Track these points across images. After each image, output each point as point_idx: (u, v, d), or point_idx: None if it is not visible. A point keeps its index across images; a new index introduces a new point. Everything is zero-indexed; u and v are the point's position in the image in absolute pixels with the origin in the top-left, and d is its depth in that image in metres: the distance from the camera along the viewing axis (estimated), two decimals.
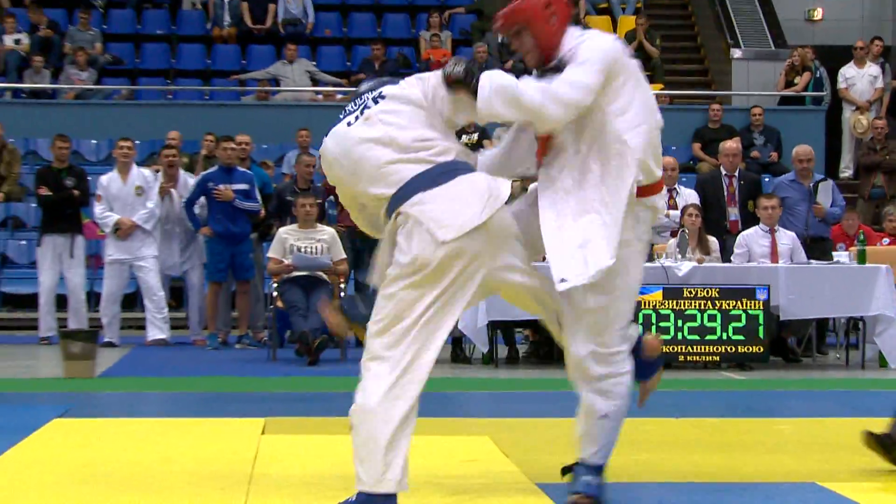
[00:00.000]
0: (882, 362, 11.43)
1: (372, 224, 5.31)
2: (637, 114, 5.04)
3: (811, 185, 12.85)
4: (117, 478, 5.76)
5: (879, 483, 5.80)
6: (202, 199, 13.30)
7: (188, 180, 13.82)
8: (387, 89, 5.10)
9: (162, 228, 13.51)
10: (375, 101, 5.07)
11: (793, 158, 13.14)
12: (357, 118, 5.05)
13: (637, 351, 5.25)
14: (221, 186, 13.10)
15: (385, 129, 4.96)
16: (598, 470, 5.22)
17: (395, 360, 4.82)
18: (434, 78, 5.13)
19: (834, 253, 12.53)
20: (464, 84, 5.00)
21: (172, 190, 13.57)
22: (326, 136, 5.16)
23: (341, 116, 5.17)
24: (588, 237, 4.95)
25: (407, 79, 5.19)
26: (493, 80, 4.92)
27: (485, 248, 4.88)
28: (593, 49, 4.99)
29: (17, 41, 19.32)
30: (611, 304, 5.08)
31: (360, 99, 5.15)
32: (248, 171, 13.55)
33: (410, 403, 4.83)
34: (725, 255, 12.23)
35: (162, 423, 7.88)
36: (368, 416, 4.79)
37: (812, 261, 11.94)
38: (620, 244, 4.98)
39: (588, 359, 5.08)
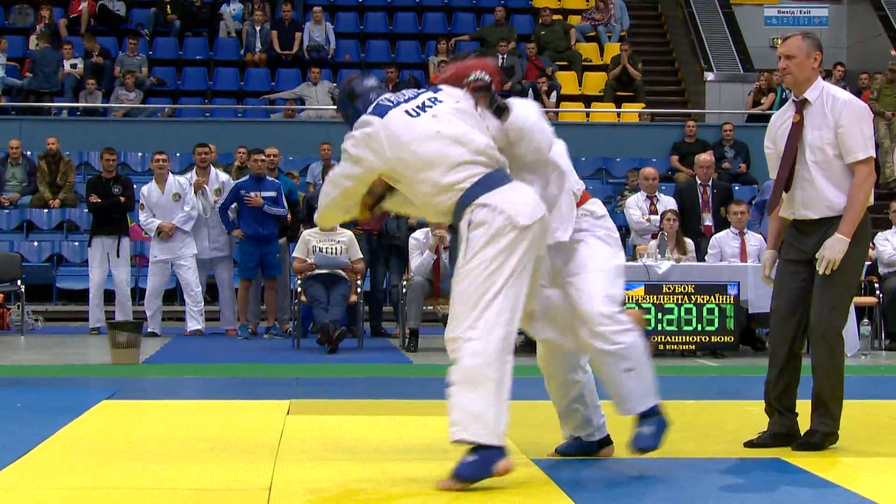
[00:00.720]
0: None
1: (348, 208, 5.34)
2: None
3: None
4: (158, 452, 5.73)
5: (835, 458, 5.77)
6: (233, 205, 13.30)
7: (219, 175, 13.84)
8: (440, 95, 5.13)
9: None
10: (433, 101, 5.07)
11: None
12: (418, 111, 5.03)
13: None
14: (252, 193, 13.10)
15: (462, 129, 5.00)
16: (653, 412, 5.29)
17: (487, 330, 4.81)
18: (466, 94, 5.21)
19: None
20: (485, 91, 5.08)
21: (205, 185, 13.57)
22: (378, 115, 5.05)
23: (390, 103, 5.10)
24: None
25: (448, 92, 5.16)
26: (526, 101, 5.23)
27: (541, 236, 5.01)
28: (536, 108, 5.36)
29: (74, 66, 19.33)
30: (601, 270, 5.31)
31: (405, 94, 5.15)
32: (276, 180, 13.53)
33: (508, 366, 4.88)
34: (700, 255, 12.20)
35: (198, 404, 7.86)
36: (475, 383, 4.78)
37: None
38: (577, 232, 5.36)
39: (598, 316, 5.18)
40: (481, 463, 4.78)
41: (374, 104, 5.16)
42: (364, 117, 5.12)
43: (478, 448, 4.77)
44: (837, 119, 5.79)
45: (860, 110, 5.85)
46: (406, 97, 5.14)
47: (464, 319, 4.84)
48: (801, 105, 5.90)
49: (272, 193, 13.18)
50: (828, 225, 5.82)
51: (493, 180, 4.95)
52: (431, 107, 5.06)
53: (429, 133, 4.98)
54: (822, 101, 5.85)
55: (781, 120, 6.03)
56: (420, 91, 5.21)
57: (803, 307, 5.91)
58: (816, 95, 5.87)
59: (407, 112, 5.06)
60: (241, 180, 13.47)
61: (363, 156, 5.08)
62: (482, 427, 4.77)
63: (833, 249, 5.76)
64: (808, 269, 5.91)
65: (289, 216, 13.39)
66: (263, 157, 13.37)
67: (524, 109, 5.13)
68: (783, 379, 5.96)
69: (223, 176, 13.88)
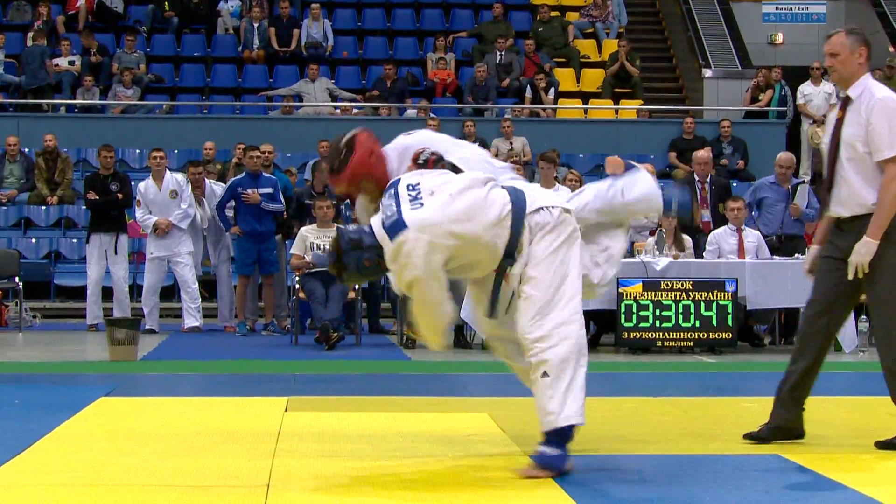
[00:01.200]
0: (837, 347, 11.36)
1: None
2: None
3: (790, 187, 12.75)
4: (157, 449, 5.73)
5: (833, 454, 5.77)
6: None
7: (214, 189, 13.83)
8: (409, 181, 5.14)
9: (191, 230, 13.48)
10: (415, 188, 5.09)
11: (775, 163, 13.01)
12: (418, 203, 5.02)
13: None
14: (249, 191, 13.09)
15: (458, 180, 5.18)
16: None
17: (571, 314, 5.10)
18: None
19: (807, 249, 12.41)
20: (441, 160, 5.37)
21: (202, 197, 13.58)
22: (402, 230, 4.94)
23: (394, 214, 5.00)
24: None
25: (409, 175, 5.23)
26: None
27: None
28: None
29: (72, 62, 19.31)
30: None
31: (390, 204, 5.05)
32: (273, 177, 13.53)
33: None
34: (698, 251, 12.18)
35: (196, 401, 7.86)
36: (568, 364, 5.05)
37: (775, 257, 11.90)
38: None
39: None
40: (562, 458, 5.09)
41: (383, 227, 5.03)
42: (393, 243, 4.98)
43: (558, 441, 5.07)
44: (868, 116, 5.76)
45: (893, 109, 5.79)
46: (396, 203, 5.05)
47: (548, 308, 5.08)
48: (845, 102, 5.89)
49: (269, 190, 13.16)
50: (861, 223, 5.78)
51: (520, 190, 5.23)
52: (419, 191, 5.08)
53: (444, 203, 5.04)
54: (862, 98, 5.84)
55: (832, 116, 6.05)
56: (392, 193, 5.09)
57: (836, 306, 5.91)
58: (859, 93, 5.85)
59: (411, 208, 5.02)
60: (237, 178, 13.45)
61: (423, 263, 4.97)
62: (575, 410, 5.07)
63: (859, 253, 5.73)
64: (843, 268, 5.86)
65: (285, 212, 13.39)
66: (259, 154, 13.35)
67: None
68: (803, 372, 5.94)
69: (219, 190, 13.81)
